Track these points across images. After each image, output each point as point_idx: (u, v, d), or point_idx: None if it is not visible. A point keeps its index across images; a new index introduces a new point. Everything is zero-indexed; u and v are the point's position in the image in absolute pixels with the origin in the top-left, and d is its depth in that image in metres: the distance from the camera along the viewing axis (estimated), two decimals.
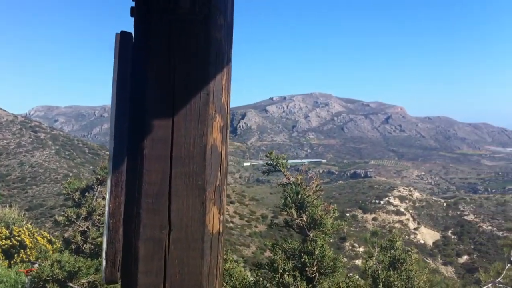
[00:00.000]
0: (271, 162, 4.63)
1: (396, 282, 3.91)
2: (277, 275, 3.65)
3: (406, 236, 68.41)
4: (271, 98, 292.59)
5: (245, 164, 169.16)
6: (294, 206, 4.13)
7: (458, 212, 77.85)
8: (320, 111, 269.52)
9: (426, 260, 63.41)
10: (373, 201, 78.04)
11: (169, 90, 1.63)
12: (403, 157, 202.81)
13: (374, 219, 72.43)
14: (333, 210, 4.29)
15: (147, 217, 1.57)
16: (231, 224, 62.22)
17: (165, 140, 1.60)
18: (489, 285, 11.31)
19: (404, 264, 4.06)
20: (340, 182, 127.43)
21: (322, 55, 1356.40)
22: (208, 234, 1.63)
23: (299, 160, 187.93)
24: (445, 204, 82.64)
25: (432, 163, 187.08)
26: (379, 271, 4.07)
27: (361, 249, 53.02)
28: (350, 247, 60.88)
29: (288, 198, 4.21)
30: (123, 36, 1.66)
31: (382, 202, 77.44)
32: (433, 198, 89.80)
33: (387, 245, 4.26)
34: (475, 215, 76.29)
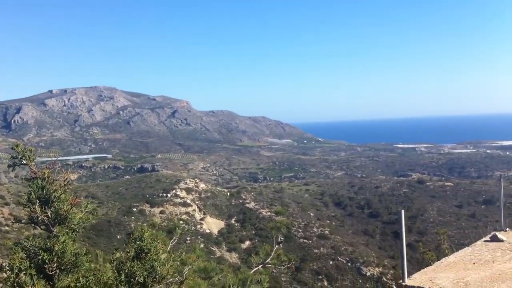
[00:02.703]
0: (17, 155, 4.23)
1: (138, 272, 3.90)
2: (13, 275, 3.35)
3: (193, 227, 70.16)
4: (50, 91, 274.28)
5: None
6: (38, 201, 3.84)
7: (241, 201, 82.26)
8: (104, 105, 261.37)
9: (212, 248, 66.01)
10: (161, 194, 78.45)
11: None
12: (189, 150, 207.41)
13: (161, 212, 72.80)
14: (86, 205, 4.10)
15: None
16: (6, 228, 57.12)
17: None
18: (259, 266, 12.11)
19: (149, 254, 4.07)
20: (127, 177, 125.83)
21: (106, 47, 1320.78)
22: None
23: (83, 156, 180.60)
24: (228, 193, 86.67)
25: (217, 155, 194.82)
26: (123, 262, 4.02)
27: None
28: None
29: (32, 193, 3.90)
30: None
31: (169, 195, 78.24)
32: (218, 188, 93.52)
33: (137, 237, 4.23)
34: (256, 203, 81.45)
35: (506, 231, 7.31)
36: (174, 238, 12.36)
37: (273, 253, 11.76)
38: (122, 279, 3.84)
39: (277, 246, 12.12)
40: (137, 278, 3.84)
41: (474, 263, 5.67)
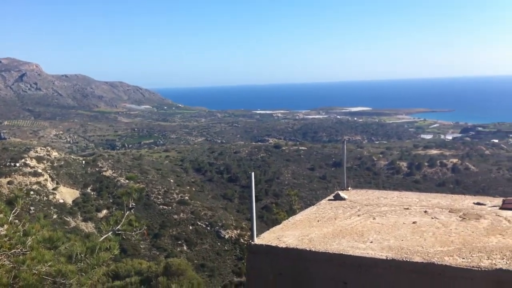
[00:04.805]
0: None
1: None
2: None
3: (45, 197, 66.69)
4: None
5: None
6: None
7: (97, 169, 79.57)
8: None
9: (66, 218, 63.31)
10: (8, 163, 73.16)
11: None
12: (40, 117, 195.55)
13: (9, 182, 68.05)
14: None
15: None
16: None
17: None
18: (109, 233, 11.64)
19: None
20: None
21: None
22: None
23: None
24: (84, 161, 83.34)
25: (71, 122, 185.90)
26: None
27: None
28: None
29: None
30: None
31: (18, 164, 73.25)
32: (72, 156, 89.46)
33: None
34: (113, 170, 79.31)
35: (348, 190, 7.70)
36: (16, 208, 11.49)
37: (123, 219, 11.35)
38: None
39: (128, 212, 11.71)
40: None
41: (318, 221, 5.86)
